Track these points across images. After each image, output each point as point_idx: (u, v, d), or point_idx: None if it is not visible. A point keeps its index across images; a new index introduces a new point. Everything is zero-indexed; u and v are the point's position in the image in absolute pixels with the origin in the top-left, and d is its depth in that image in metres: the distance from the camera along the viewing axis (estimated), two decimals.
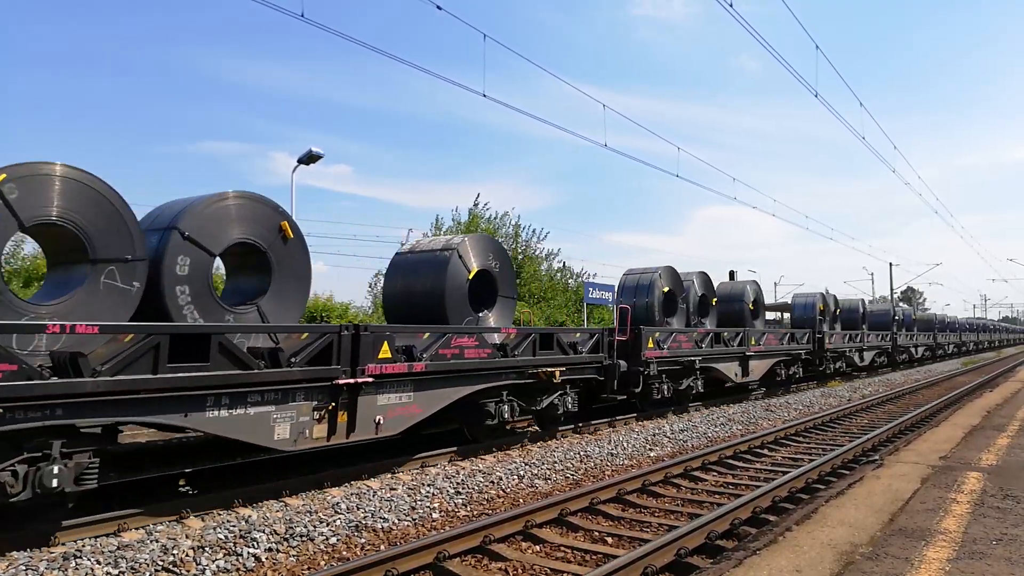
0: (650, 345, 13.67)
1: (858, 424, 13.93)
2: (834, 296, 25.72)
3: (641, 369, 13.26)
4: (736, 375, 17.27)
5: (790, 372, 20.48)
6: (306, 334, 7.68)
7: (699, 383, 15.48)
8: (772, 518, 6.65)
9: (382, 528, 6.55)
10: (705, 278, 17.79)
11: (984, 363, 39.28)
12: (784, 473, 8.83)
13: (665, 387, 14.19)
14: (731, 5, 11.97)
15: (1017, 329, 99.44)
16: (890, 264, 51.06)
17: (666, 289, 15.82)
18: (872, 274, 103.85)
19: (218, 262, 8.06)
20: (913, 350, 35.43)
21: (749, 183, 65.83)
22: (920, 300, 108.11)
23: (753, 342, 17.96)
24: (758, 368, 18.42)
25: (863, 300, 29.55)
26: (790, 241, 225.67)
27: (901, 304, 41.93)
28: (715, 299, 18.06)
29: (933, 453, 8.54)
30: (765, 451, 10.84)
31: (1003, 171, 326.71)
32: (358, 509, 6.90)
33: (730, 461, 9.83)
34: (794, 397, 18.60)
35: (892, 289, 52.55)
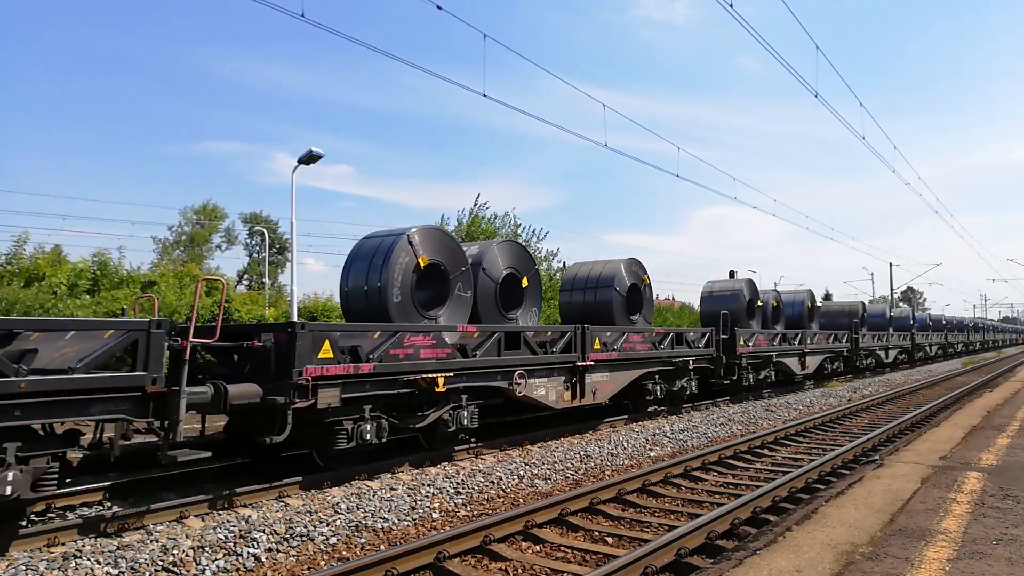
0: (741, 342, 17.03)
1: (858, 424, 13.93)
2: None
3: (736, 361, 16.66)
4: (797, 368, 20.76)
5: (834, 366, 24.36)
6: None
7: (773, 374, 19.13)
8: (772, 518, 6.64)
9: (382, 528, 6.55)
10: (775, 292, 22.41)
11: (984, 363, 39.28)
12: (784, 473, 8.84)
13: (751, 376, 17.68)
14: (731, 6, 11.97)
15: (1009, 328, 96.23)
16: (890, 264, 51.18)
17: (748, 298, 19.56)
18: (872, 274, 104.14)
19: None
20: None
21: (749, 183, 65.84)
22: (920, 300, 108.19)
23: (809, 341, 21.80)
24: (812, 363, 21.93)
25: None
26: (790, 241, 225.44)
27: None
28: (777, 304, 21.86)
29: (933, 453, 8.54)
30: (765, 451, 10.84)
31: (1004, 172, 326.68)
32: (358, 509, 6.91)
33: (730, 461, 9.83)
34: (794, 397, 18.65)
35: (892, 289, 52.64)
